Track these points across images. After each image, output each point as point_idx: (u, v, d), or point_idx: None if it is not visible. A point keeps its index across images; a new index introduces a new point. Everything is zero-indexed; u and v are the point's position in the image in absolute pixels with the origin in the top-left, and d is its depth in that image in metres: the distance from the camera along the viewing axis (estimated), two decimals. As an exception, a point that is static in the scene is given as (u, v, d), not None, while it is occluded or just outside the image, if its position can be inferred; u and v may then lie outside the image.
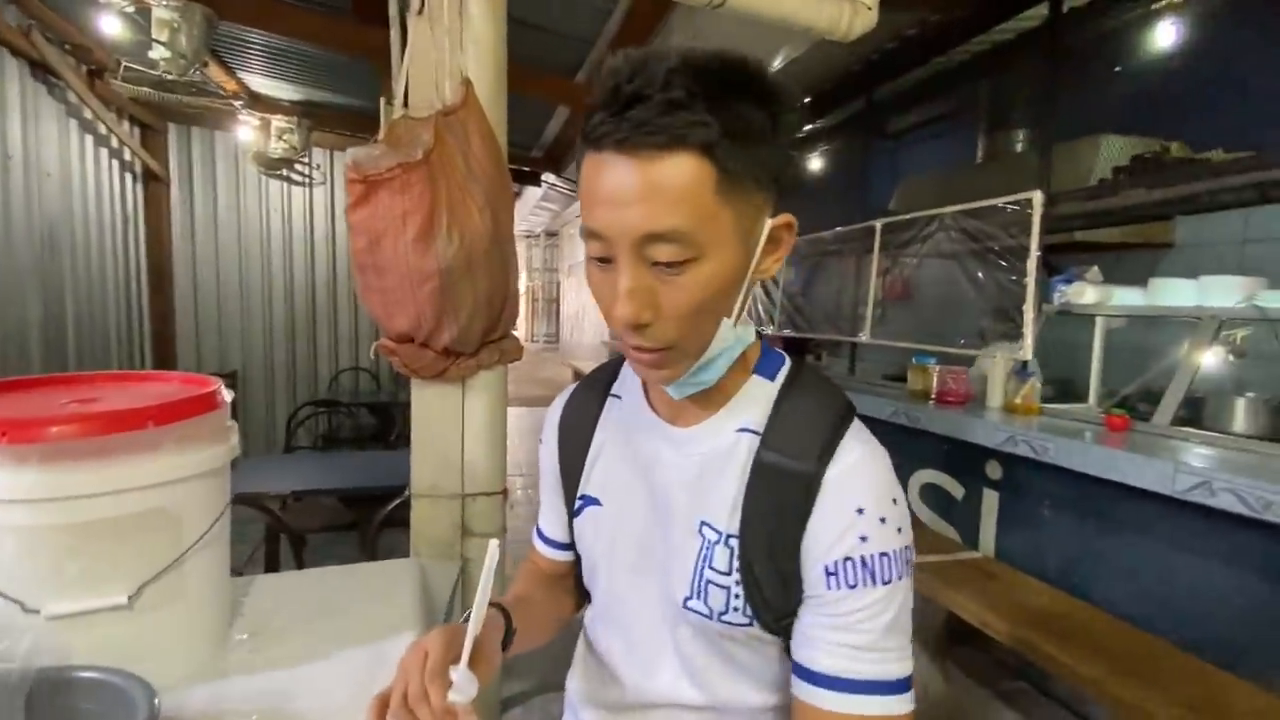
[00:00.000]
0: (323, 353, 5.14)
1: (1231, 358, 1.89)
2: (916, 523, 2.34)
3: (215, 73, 3.53)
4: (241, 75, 3.82)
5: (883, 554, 0.52)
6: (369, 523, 1.92)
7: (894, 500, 0.53)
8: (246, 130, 4.10)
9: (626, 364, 0.67)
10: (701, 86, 0.45)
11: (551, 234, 15.95)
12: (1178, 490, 1.46)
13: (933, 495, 2.37)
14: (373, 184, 1.06)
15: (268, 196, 4.95)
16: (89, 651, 0.73)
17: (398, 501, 1.57)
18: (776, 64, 3.05)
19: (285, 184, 4.77)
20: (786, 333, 3.52)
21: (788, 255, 0.56)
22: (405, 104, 1.19)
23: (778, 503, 0.54)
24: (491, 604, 0.59)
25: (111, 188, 4.18)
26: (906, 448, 2.46)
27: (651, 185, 0.46)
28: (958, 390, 2.39)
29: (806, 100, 3.95)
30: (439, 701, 0.48)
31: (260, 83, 4.02)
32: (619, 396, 0.68)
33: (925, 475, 2.40)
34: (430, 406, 1.29)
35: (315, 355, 5.11)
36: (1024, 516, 2.08)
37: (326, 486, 2.31)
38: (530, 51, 3.18)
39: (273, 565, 1.96)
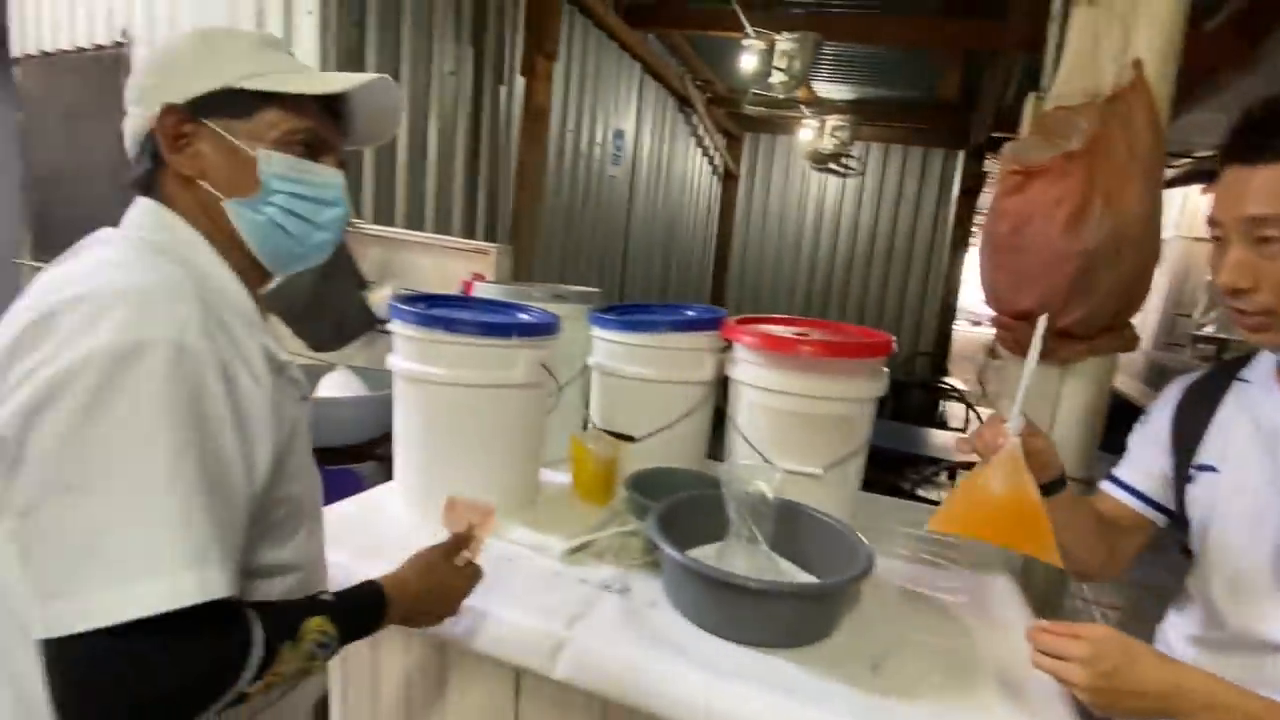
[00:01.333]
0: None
1: None
2: None
3: (800, 89, 4.25)
4: (814, 83, 4.48)
5: None
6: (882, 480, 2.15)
7: None
8: (807, 131, 4.80)
9: (1258, 356, 0.78)
10: None
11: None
12: None
13: None
14: (1029, 174, 1.17)
15: (808, 187, 5.71)
16: (796, 499, 1.08)
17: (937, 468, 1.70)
18: None
19: (826, 176, 5.40)
20: None
21: None
22: (1058, 95, 1.24)
23: None
24: None
25: (704, 185, 5.55)
26: None
27: (1262, 184, 0.61)
28: None
29: None
30: (991, 429, 0.79)
31: (825, 88, 4.64)
32: (1247, 381, 0.78)
33: None
34: (1022, 386, 1.35)
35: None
36: None
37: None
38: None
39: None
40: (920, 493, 2.74)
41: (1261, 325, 0.65)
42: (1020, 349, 1.32)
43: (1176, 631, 0.84)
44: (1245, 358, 0.80)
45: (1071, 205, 1.11)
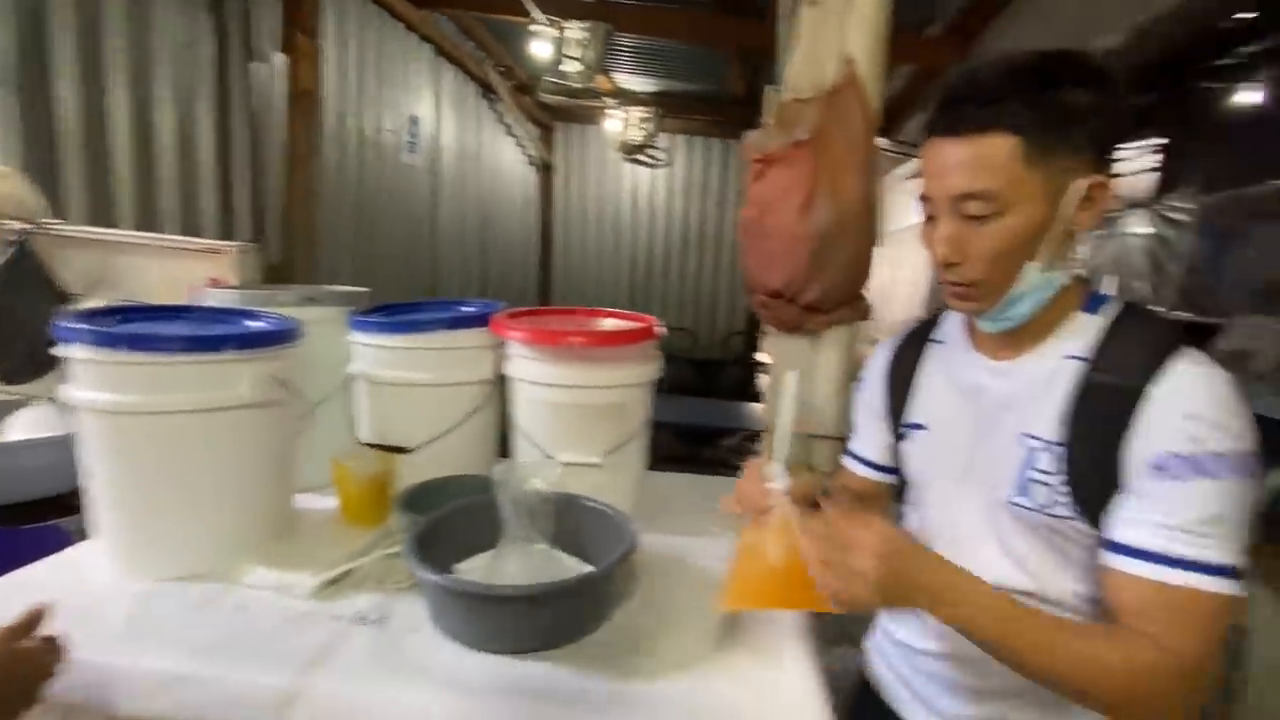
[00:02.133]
0: (655, 312, 5.94)
1: None
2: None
3: (600, 79, 4.30)
4: (615, 75, 4.56)
5: (1217, 455, 0.56)
6: (698, 458, 2.27)
7: (1229, 409, 0.58)
8: (614, 122, 4.88)
9: (945, 316, 0.83)
10: (1015, 84, 0.60)
11: (863, 203, 15.15)
12: None
13: None
14: (768, 161, 1.26)
15: (620, 178, 5.83)
16: (577, 490, 1.07)
17: (743, 436, 1.83)
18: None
19: (636, 166, 5.55)
20: (1187, 317, 2.86)
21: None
22: (792, 88, 1.36)
23: (1104, 412, 0.62)
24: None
25: (520, 176, 5.43)
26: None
27: (966, 158, 0.61)
28: None
29: (1245, 15, 3.04)
30: (752, 485, 0.73)
31: (627, 80, 4.75)
32: (941, 341, 0.82)
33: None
34: (786, 355, 1.48)
35: (647, 312, 5.93)
36: None
37: (665, 420, 2.77)
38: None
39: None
40: (736, 462, 2.95)
41: (968, 295, 0.67)
42: (779, 325, 1.44)
43: None
44: (933, 320, 0.85)
45: (802, 192, 1.22)
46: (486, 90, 4.50)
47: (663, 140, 5.63)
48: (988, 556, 0.71)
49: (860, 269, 1.32)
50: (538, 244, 5.72)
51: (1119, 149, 0.65)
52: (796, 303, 1.33)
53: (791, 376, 0.79)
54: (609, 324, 1.27)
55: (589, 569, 0.98)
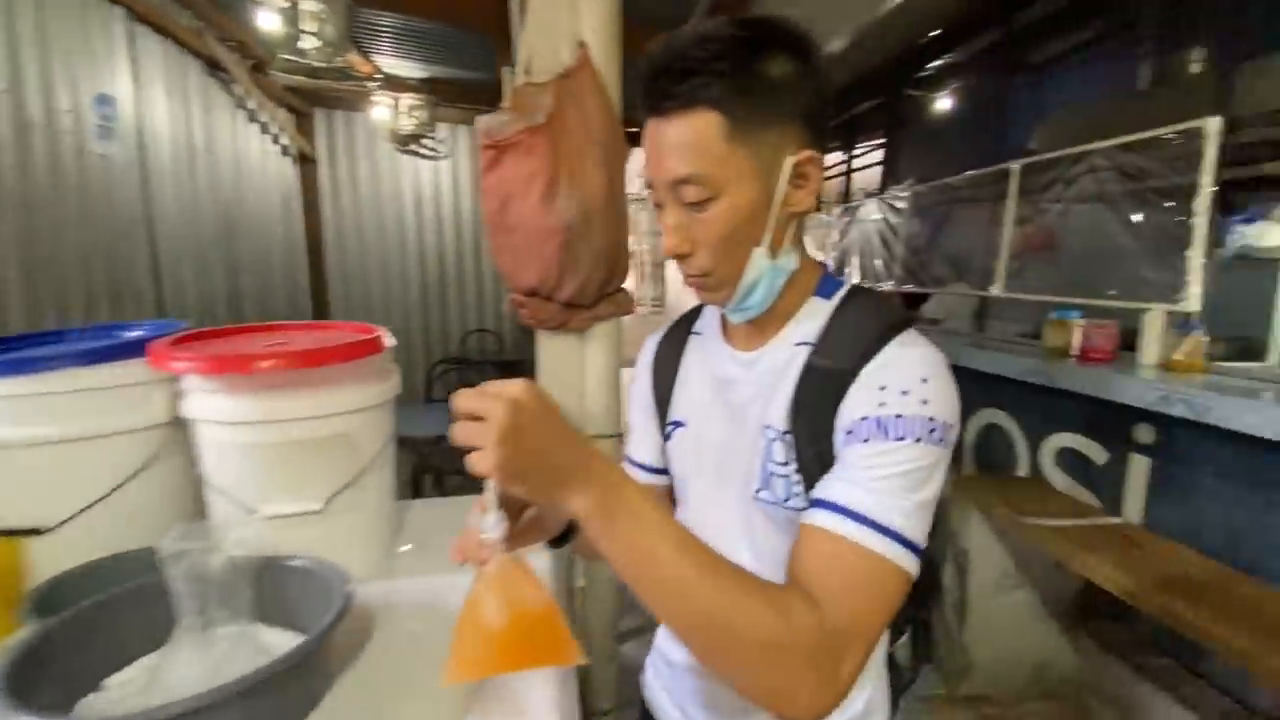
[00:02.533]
0: (452, 314, 5.56)
1: None
2: (1044, 483, 2.19)
3: (353, 58, 3.86)
4: (375, 58, 4.13)
5: (899, 415, 0.55)
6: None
7: (924, 379, 0.57)
8: (381, 110, 4.44)
9: (706, 307, 0.78)
10: (711, 52, 0.55)
11: (659, 196, 15.87)
12: (1379, 456, 1.27)
13: (1069, 460, 2.21)
14: (502, 148, 1.15)
15: (399, 171, 5.36)
16: (292, 547, 0.89)
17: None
18: (901, -4, 2.83)
19: (415, 158, 5.13)
20: (907, 288, 3.34)
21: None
22: (527, 71, 1.26)
23: (818, 398, 0.61)
24: None
25: (273, 170, 4.72)
26: (1041, 410, 2.29)
27: (673, 140, 0.57)
28: (1104, 346, 2.18)
29: (937, 32, 3.63)
30: (468, 537, 0.56)
31: (391, 63, 4.34)
32: (699, 333, 0.78)
33: (1062, 439, 2.23)
34: (554, 356, 1.39)
35: (446, 316, 5.54)
36: (1181, 484, 1.89)
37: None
38: (643, 8, 3.17)
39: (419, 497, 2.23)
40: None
41: (704, 285, 0.64)
42: (541, 324, 1.36)
43: None
44: (698, 310, 0.81)
45: (543, 181, 1.14)
46: (214, 68, 3.81)
47: (442, 131, 5.28)
48: (743, 558, 0.67)
49: (616, 261, 1.28)
50: (304, 249, 5.04)
51: (828, 123, 0.62)
52: (555, 300, 1.25)
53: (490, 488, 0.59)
54: (331, 338, 1.07)
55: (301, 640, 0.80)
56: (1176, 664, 1.85)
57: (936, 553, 0.66)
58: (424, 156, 4.81)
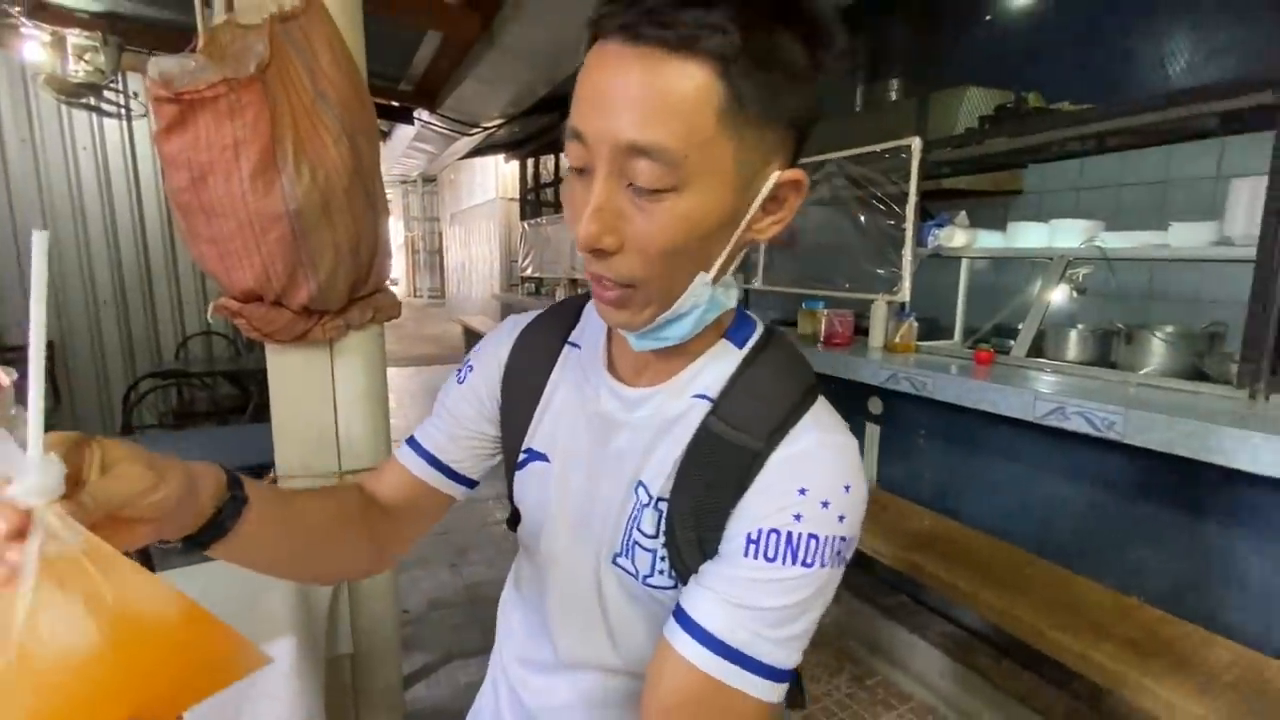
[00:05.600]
0: (163, 317, 4.51)
1: (1075, 294, 2.10)
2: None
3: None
4: (16, -25, 3.08)
5: (812, 535, 0.46)
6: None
7: (846, 487, 0.48)
8: (34, 47, 3.35)
9: (588, 310, 0.62)
10: None
11: (430, 179, 14.88)
12: (1037, 416, 1.61)
13: (822, 433, 2.50)
14: (190, 104, 0.85)
15: (73, 130, 4.16)
16: None
17: (267, 480, 1.38)
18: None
19: (94, 115, 4.01)
20: (780, 289, 3.52)
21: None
22: (230, 7, 0.96)
23: (714, 474, 0.50)
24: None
25: None
26: (798, 390, 2.55)
27: (647, 88, 0.39)
28: (844, 333, 2.49)
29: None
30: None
31: (45, -13, 3.28)
32: (577, 345, 0.61)
33: (815, 415, 2.51)
34: (292, 375, 1.11)
35: (154, 320, 4.47)
36: (902, 447, 2.24)
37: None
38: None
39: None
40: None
41: (621, 301, 0.47)
42: (270, 337, 1.07)
43: (509, 651, 0.67)
44: (577, 311, 0.64)
45: (255, 152, 0.87)
46: None
47: (134, 83, 4.20)
48: (589, 621, 0.58)
49: (370, 254, 1.05)
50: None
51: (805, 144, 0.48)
52: (286, 306, 0.98)
53: (39, 235, 0.33)
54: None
55: None
56: (908, 599, 2.20)
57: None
58: (105, 114, 3.77)
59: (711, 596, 0.47)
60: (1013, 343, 2.15)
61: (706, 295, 0.48)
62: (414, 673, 2.01)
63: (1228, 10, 2.20)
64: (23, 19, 3.13)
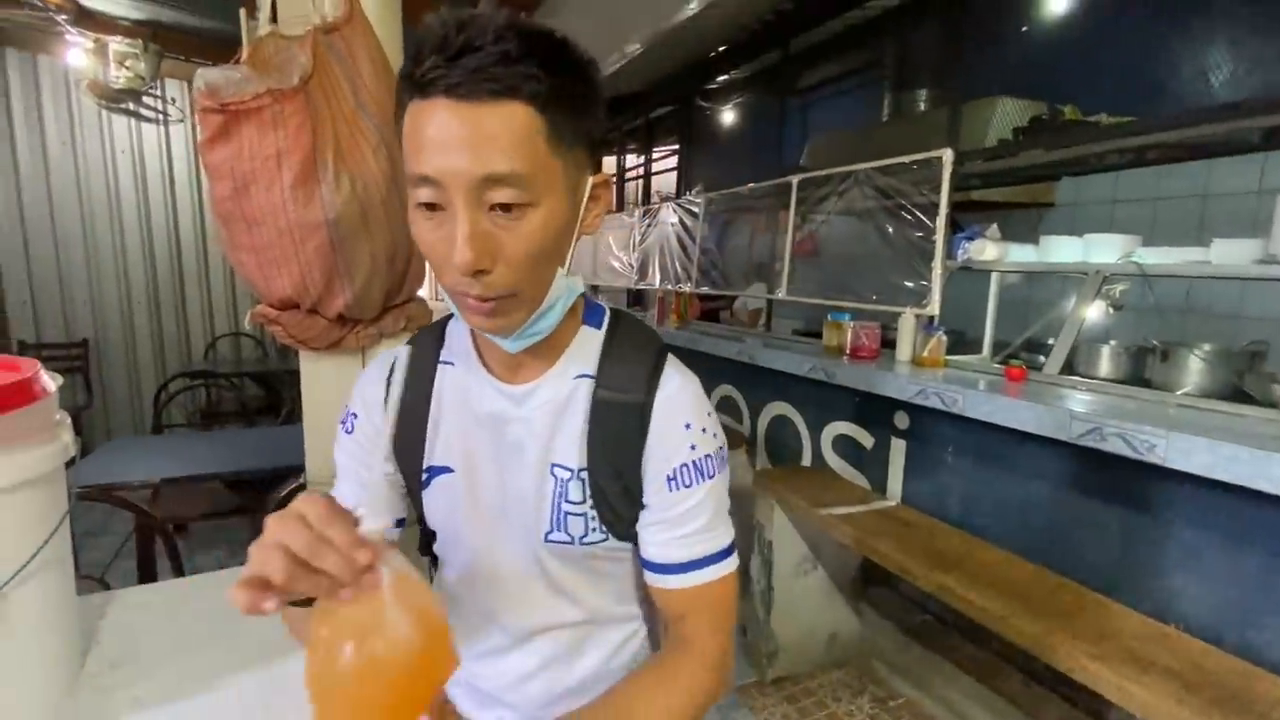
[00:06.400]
0: (194, 317, 4.60)
1: (1111, 310, 2.05)
2: (831, 473, 2.43)
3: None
4: (64, -15, 3.18)
5: (707, 455, 0.63)
6: (260, 509, 1.72)
7: (709, 413, 0.64)
8: (78, 54, 3.46)
9: (450, 329, 0.69)
10: (531, 45, 0.48)
11: (453, 186, 14.97)
12: (1073, 436, 1.56)
13: (844, 446, 2.46)
14: (235, 115, 0.86)
15: (113, 135, 4.27)
16: None
17: (294, 486, 1.40)
18: (692, 8, 2.91)
19: (134, 121, 4.12)
20: (704, 289, 3.50)
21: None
22: (274, 19, 0.98)
23: (617, 430, 0.62)
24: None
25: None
26: (821, 401, 2.52)
27: (490, 130, 0.48)
28: (870, 345, 2.46)
29: (722, 49, 3.84)
30: (346, 536, 0.41)
31: (90, -3, 3.38)
32: (450, 363, 0.68)
33: (838, 427, 2.47)
34: (325, 382, 1.12)
35: (185, 320, 4.57)
36: (929, 463, 2.20)
37: (204, 471, 2.05)
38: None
39: (146, 568, 1.72)
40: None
41: (499, 310, 0.54)
42: (305, 345, 1.08)
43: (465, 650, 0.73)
44: (439, 334, 0.70)
45: (297, 162, 0.88)
46: None
47: (173, 88, 4.32)
48: (537, 596, 0.67)
49: (405, 263, 1.06)
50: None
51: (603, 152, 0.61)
52: (321, 314, 0.99)
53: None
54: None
55: None
56: (932, 619, 2.15)
57: (745, 547, 0.72)
58: (144, 118, 3.87)
59: (662, 539, 0.63)
60: (1043, 358, 2.10)
61: (565, 286, 0.58)
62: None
63: (1271, 19, 2.14)
64: (68, 26, 3.23)
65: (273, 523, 0.42)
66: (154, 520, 1.42)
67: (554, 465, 0.63)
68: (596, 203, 0.59)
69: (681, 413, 0.62)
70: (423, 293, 1.19)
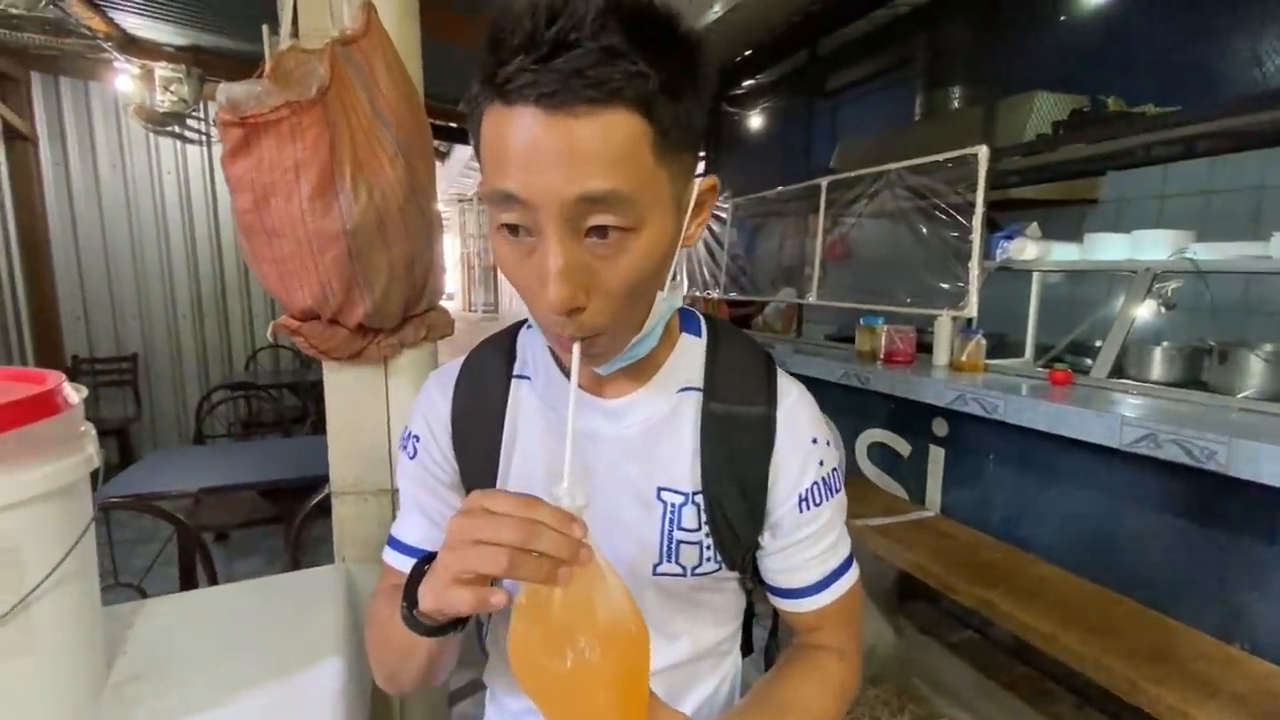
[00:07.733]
0: (235, 330, 4.75)
1: (1162, 309, 1.94)
2: (866, 482, 2.35)
3: (78, 8, 3.06)
4: (112, 14, 3.33)
5: (834, 470, 0.60)
6: (293, 518, 1.74)
7: (827, 422, 0.61)
8: (125, 80, 3.61)
9: (523, 339, 0.63)
10: (636, 34, 0.40)
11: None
12: (1124, 443, 1.48)
13: (879, 454, 2.38)
14: (254, 128, 0.87)
15: (159, 157, 4.45)
16: None
17: (322, 495, 1.41)
18: (717, 9, 2.89)
19: (178, 142, 4.28)
20: (733, 295, 3.46)
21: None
22: (295, 33, 0.99)
23: (737, 447, 0.56)
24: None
25: (-39, 146, 3.66)
26: (855, 408, 2.45)
27: (588, 144, 0.40)
28: (905, 350, 2.38)
29: (748, 53, 3.81)
30: (555, 514, 0.40)
31: (136, 23, 3.53)
32: (526, 377, 0.61)
33: (873, 435, 2.40)
34: (347, 392, 1.12)
35: (228, 333, 4.71)
36: (969, 472, 2.11)
37: (241, 480, 2.09)
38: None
39: (188, 576, 1.76)
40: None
41: (595, 346, 0.48)
42: (327, 355, 1.09)
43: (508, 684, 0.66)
44: (510, 347, 0.62)
45: (315, 173, 0.89)
46: None
47: (214, 111, 4.46)
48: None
49: (426, 272, 1.06)
50: (20, 255, 3.97)
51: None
52: (341, 324, 0.99)
53: (576, 349, 0.48)
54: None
55: None
56: (975, 635, 2.06)
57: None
58: (188, 140, 4.02)
59: (793, 564, 0.60)
60: (1089, 361, 2.00)
61: (665, 308, 0.52)
62: (460, 689, 2.00)
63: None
64: (115, 53, 3.38)
65: (461, 521, 0.41)
66: (189, 529, 1.45)
67: (661, 489, 0.56)
68: (701, 210, 0.50)
69: (807, 426, 0.58)
70: (444, 302, 1.19)
